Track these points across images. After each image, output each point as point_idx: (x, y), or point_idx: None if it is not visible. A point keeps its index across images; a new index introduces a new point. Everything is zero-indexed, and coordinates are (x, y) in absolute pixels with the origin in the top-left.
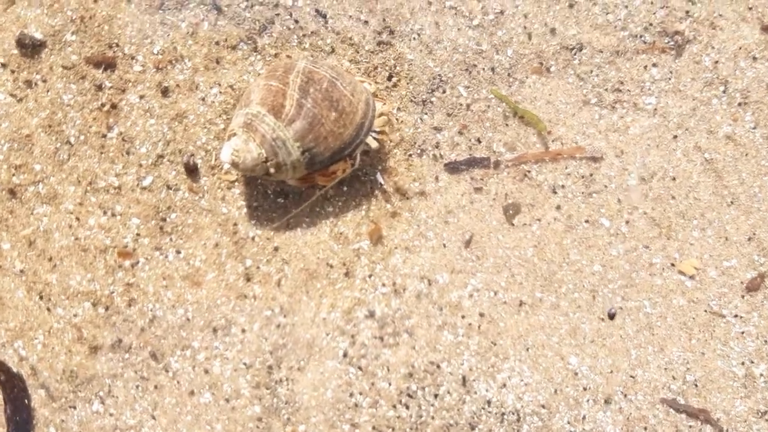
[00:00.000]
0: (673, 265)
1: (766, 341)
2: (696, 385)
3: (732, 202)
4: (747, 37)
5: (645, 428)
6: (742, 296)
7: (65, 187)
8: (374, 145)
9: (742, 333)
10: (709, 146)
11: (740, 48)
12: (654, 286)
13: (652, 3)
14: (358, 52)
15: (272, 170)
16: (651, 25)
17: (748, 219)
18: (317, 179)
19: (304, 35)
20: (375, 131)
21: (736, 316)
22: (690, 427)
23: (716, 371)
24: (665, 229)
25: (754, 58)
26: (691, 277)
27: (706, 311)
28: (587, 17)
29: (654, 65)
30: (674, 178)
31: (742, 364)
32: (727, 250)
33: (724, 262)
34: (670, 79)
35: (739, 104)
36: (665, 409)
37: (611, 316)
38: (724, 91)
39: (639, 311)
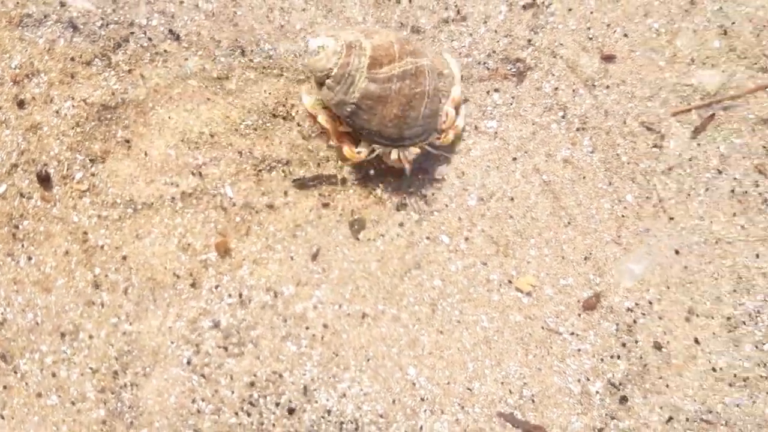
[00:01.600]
0: (510, 281)
1: (602, 359)
2: (533, 401)
3: (569, 223)
4: (586, 66)
5: None
6: (579, 314)
7: None
8: (415, 151)
9: (579, 350)
10: (548, 169)
11: (579, 76)
12: (491, 301)
13: (495, 32)
14: (206, 69)
15: (329, 82)
16: (494, 52)
17: (584, 239)
18: (333, 138)
19: (156, 53)
20: (425, 143)
21: (572, 333)
22: None
23: (553, 387)
24: (503, 247)
25: (593, 86)
26: (528, 294)
27: (542, 328)
28: (433, 44)
29: (496, 90)
30: (512, 199)
31: (579, 381)
32: (563, 269)
33: (560, 280)
34: (511, 104)
35: (578, 129)
36: (502, 423)
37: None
38: (563, 117)
39: (476, 325)
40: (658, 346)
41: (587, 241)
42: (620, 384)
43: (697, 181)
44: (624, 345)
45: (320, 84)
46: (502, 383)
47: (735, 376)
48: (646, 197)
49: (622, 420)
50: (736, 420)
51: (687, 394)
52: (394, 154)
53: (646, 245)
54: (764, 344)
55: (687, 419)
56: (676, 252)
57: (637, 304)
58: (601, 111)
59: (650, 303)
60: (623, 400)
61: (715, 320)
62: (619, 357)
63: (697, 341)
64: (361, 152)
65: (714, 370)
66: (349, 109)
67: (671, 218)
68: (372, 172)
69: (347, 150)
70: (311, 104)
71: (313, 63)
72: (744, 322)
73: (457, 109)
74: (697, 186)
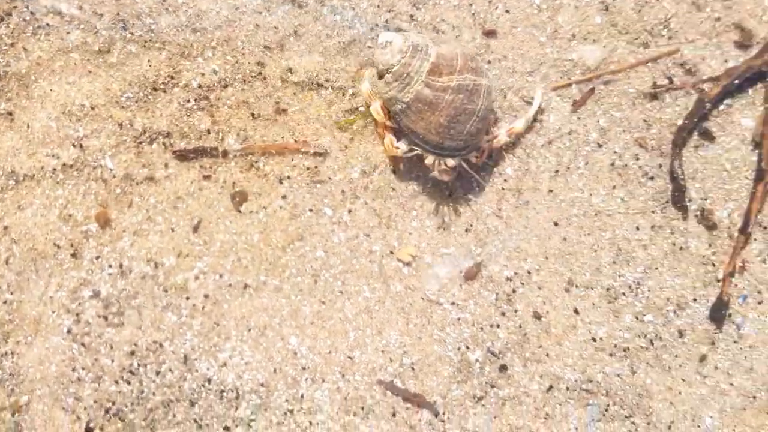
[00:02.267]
0: (391, 252)
1: (482, 328)
2: (413, 369)
3: (450, 195)
4: (468, 41)
5: (362, 408)
6: (460, 285)
7: None
8: (451, 163)
9: (459, 320)
10: None
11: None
12: (373, 272)
13: (378, 6)
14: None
15: (388, 77)
16: (377, 25)
17: (465, 211)
18: (379, 127)
19: (39, 27)
20: (464, 159)
21: (453, 303)
22: (407, 409)
23: (433, 355)
24: (385, 219)
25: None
26: (408, 264)
27: (423, 298)
28: (316, 17)
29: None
30: (394, 171)
31: (458, 349)
32: (445, 240)
33: (442, 250)
34: None
35: None
36: (382, 391)
37: None
38: None
39: (358, 295)
40: (537, 316)
41: (468, 213)
42: (500, 353)
43: (576, 155)
44: (504, 314)
45: (380, 76)
46: (382, 352)
47: (615, 346)
48: (526, 170)
49: (501, 388)
50: (617, 390)
51: (567, 363)
52: (429, 159)
53: (525, 218)
54: (645, 315)
55: (567, 388)
56: (555, 224)
57: (516, 274)
58: None
59: (529, 273)
60: (503, 368)
61: (594, 291)
62: (498, 326)
63: (576, 311)
64: (400, 148)
65: (594, 340)
66: (399, 107)
67: (550, 191)
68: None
69: (388, 142)
70: (369, 91)
71: (378, 55)
72: (624, 294)
73: (510, 136)
74: (577, 159)
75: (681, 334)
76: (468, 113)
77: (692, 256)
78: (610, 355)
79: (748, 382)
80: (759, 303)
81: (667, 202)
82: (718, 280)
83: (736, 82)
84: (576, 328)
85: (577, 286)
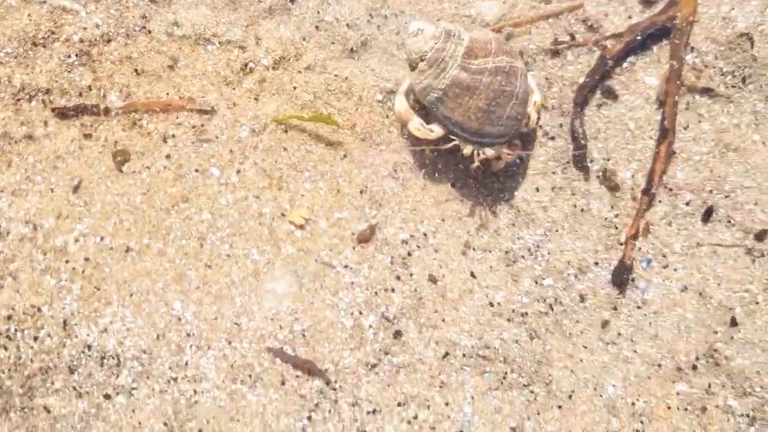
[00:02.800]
0: (283, 215)
1: (376, 293)
2: (304, 335)
3: (345, 156)
4: None
5: (250, 376)
6: (353, 247)
7: None
8: (490, 153)
9: (352, 284)
10: None
11: (359, 3)
12: (263, 235)
13: None
14: None
15: (422, 65)
16: None
17: (360, 172)
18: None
19: None
20: (497, 149)
21: (346, 266)
22: (297, 377)
23: (324, 321)
24: (276, 180)
25: (371, 16)
26: (301, 227)
27: (316, 261)
28: None
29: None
30: (286, 131)
31: (351, 315)
32: (338, 202)
33: (335, 213)
34: None
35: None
36: (271, 358)
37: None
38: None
39: (246, 259)
40: (433, 280)
41: (363, 174)
42: (394, 318)
43: None
44: (399, 278)
45: (412, 66)
46: (271, 318)
47: (513, 311)
48: None
49: (396, 355)
50: (515, 357)
51: (463, 329)
52: (467, 150)
53: (422, 179)
54: (544, 279)
55: (464, 355)
56: (452, 185)
57: (412, 236)
58: (379, 40)
59: (425, 236)
60: (397, 334)
61: (492, 254)
62: (393, 290)
63: (473, 275)
64: (434, 131)
65: (491, 304)
66: (435, 95)
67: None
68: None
69: (418, 125)
70: (405, 109)
71: (410, 43)
72: (523, 257)
73: (538, 113)
74: None
75: (582, 298)
76: (507, 95)
77: (594, 218)
78: (508, 320)
79: (653, 350)
80: (664, 267)
81: (567, 162)
82: (621, 244)
83: (639, 38)
84: (473, 293)
85: (474, 249)
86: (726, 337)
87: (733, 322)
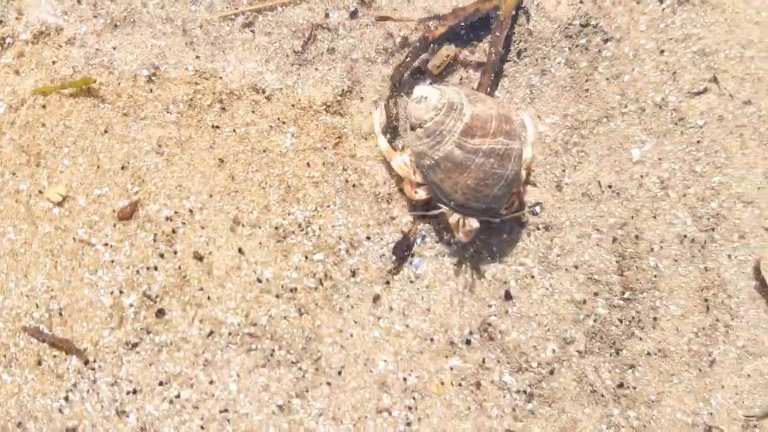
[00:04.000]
0: (41, 192)
1: (137, 271)
2: (61, 314)
3: (106, 131)
4: None
5: (5, 356)
6: (114, 225)
7: None
8: (474, 225)
9: (112, 262)
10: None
11: None
12: (19, 213)
13: None
14: None
15: (419, 131)
16: None
17: (122, 148)
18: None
19: None
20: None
21: (106, 244)
22: (54, 356)
23: (83, 300)
24: (34, 156)
25: None
26: (59, 205)
27: (74, 239)
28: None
29: None
30: (44, 106)
31: (111, 293)
32: (99, 179)
33: (95, 190)
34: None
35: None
36: (27, 337)
37: None
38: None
39: (2, 237)
40: (199, 257)
41: (125, 150)
42: (157, 296)
43: None
44: (162, 256)
45: (412, 128)
46: (27, 297)
47: (282, 287)
48: (190, 103)
49: (158, 334)
50: (283, 333)
51: (230, 306)
52: (453, 218)
53: (189, 154)
54: (315, 254)
55: (230, 333)
56: (221, 161)
57: (177, 213)
58: (144, 15)
59: (191, 212)
60: (160, 313)
61: (262, 230)
62: (156, 268)
63: (241, 251)
64: (419, 194)
65: (259, 281)
66: (428, 162)
67: (215, 126)
68: None
69: (408, 186)
70: (387, 148)
71: (411, 109)
72: (293, 232)
73: (527, 171)
74: None
75: (354, 273)
76: (497, 177)
77: (366, 193)
78: (277, 296)
79: (426, 324)
80: (437, 242)
81: (339, 138)
82: (393, 218)
83: (463, 24)
84: (240, 269)
85: (243, 225)
86: (500, 311)
87: (508, 296)
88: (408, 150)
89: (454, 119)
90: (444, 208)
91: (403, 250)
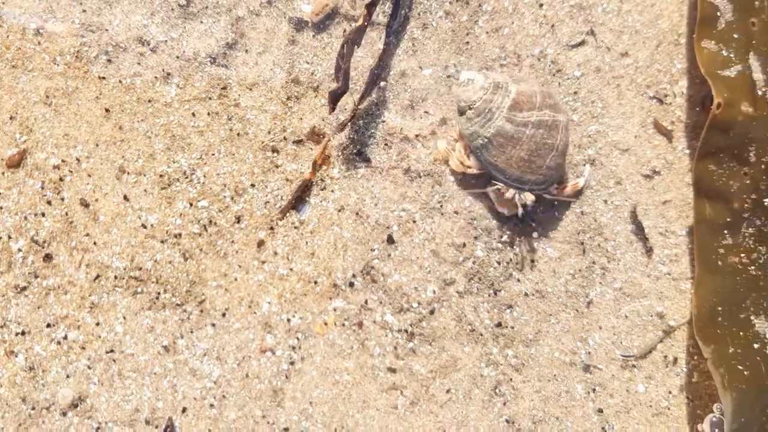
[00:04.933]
0: None
1: (25, 217)
2: None
3: None
4: None
5: None
6: (2, 173)
7: None
8: (529, 199)
9: (1, 208)
10: None
11: None
12: None
13: None
14: None
15: (469, 113)
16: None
17: (11, 99)
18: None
19: None
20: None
21: None
22: None
23: None
24: None
25: None
26: None
27: None
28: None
29: None
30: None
31: (0, 239)
32: None
33: None
34: None
35: None
36: None
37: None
38: None
39: None
40: (85, 204)
41: (13, 100)
42: (44, 242)
43: None
44: (49, 203)
45: (461, 113)
46: None
47: (167, 233)
48: (76, 55)
49: (46, 278)
50: (168, 277)
51: (115, 251)
52: (509, 194)
53: (75, 105)
54: (199, 201)
55: (115, 276)
56: (107, 111)
57: (64, 161)
58: None
59: (78, 161)
60: (47, 257)
61: (147, 178)
62: (44, 215)
63: (127, 198)
64: (472, 166)
65: (144, 227)
66: (480, 142)
67: (101, 77)
68: None
69: (458, 156)
70: (444, 148)
71: (459, 92)
72: (178, 180)
73: (576, 192)
74: None
75: (238, 220)
76: (548, 147)
77: (251, 142)
78: (162, 242)
79: (309, 267)
80: (321, 189)
81: (224, 88)
82: (277, 166)
83: None
84: (126, 216)
85: (128, 173)
86: (383, 255)
87: (390, 240)
88: (456, 134)
89: (502, 96)
90: (499, 185)
91: (301, 198)
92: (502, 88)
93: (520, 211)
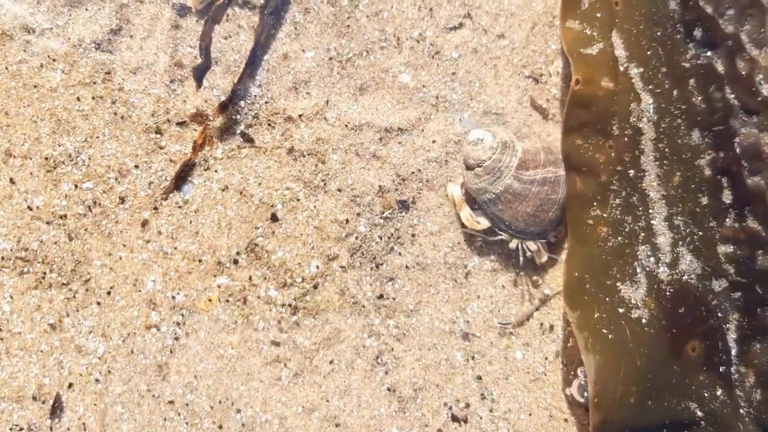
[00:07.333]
0: None
1: None
2: None
3: None
4: None
5: None
6: None
7: None
8: (533, 247)
9: None
10: None
11: None
12: None
13: None
14: None
15: (478, 170)
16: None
17: None
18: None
19: None
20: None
21: None
22: None
23: None
24: None
25: None
26: None
27: None
28: None
29: None
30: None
31: None
32: None
33: None
34: None
35: None
36: None
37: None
38: None
39: None
40: None
41: None
42: None
43: None
44: None
45: (469, 168)
46: None
47: (52, 214)
48: None
49: None
50: (54, 257)
51: (2, 233)
52: (513, 244)
53: None
54: (84, 183)
55: (2, 257)
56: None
57: None
58: None
59: None
60: None
61: (32, 161)
62: None
63: (13, 181)
64: (481, 223)
65: (30, 209)
66: (489, 197)
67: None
68: None
69: (467, 216)
70: (459, 198)
71: (469, 150)
72: (63, 163)
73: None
74: None
75: (122, 200)
76: (551, 202)
77: (135, 125)
78: (47, 223)
79: (194, 246)
80: (205, 170)
81: (108, 73)
82: (161, 148)
83: None
84: (12, 198)
85: (15, 157)
86: (267, 233)
87: (274, 218)
88: (463, 188)
89: (509, 155)
90: (503, 235)
91: (182, 179)
92: (509, 148)
93: (521, 258)
